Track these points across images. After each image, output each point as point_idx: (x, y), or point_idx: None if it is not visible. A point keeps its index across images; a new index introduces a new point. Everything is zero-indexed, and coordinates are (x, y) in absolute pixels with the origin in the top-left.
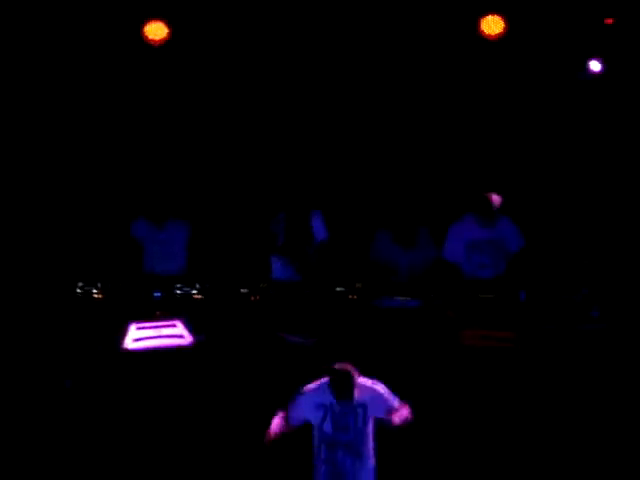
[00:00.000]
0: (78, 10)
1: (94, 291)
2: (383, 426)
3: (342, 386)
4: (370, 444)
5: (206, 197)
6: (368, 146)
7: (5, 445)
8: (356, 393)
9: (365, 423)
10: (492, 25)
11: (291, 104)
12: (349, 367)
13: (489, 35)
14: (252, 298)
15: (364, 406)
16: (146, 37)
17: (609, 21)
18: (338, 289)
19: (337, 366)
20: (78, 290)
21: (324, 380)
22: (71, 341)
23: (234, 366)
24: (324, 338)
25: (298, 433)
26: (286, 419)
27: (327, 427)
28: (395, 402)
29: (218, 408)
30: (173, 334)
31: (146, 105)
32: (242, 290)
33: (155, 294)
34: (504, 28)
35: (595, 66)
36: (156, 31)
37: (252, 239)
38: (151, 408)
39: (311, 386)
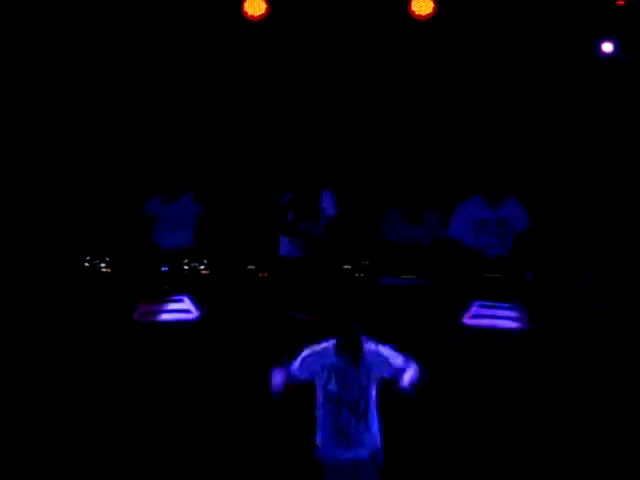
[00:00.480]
0: None
1: (102, 265)
2: (393, 390)
3: (349, 348)
4: (374, 406)
5: (216, 173)
6: (378, 124)
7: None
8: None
9: (369, 382)
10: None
11: (302, 84)
12: (356, 329)
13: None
14: (259, 274)
15: (367, 366)
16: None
17: (621, 2)
18: (345, 267)
19: (344, 328)
20: (86, 264)
21: (329, 342)
22: (79, 314)
23: (239, 341)
24: (331, 316)
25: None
26: (288, 376)
27: (332, 387)
28: (400, 361)
29: (222, 383)
30: (180, 309)
31: (160, 83)
32: (249, 266)
33: (163, 268)
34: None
35: (607, 47)
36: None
37: (261, 216)
38: (157, 382)
39: (316, 348)
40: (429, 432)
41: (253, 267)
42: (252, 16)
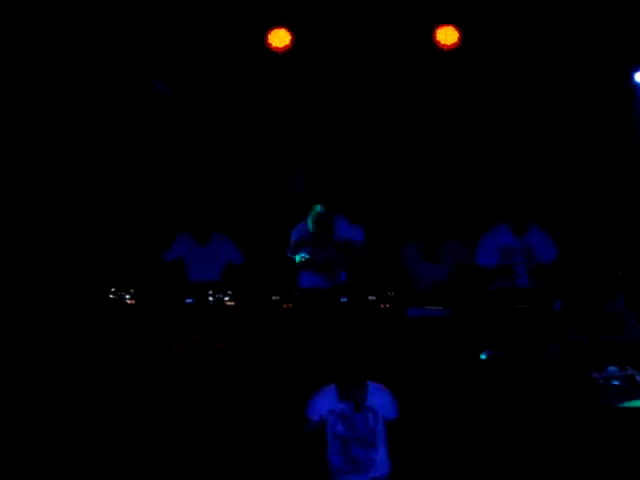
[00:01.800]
0: None
1: (127, 296)
2: None
3: (353, 397)
4: (383, 436)
5: (236, 208)
6: (401, 156)
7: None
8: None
9: (376, 423)
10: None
11: (324, 116)
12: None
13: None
14: (284, 306)
15: (374, 410)
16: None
17: None
18: (370, 297)
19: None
20: (111, 295)
21: (332, 386)
22: (104, 345)
23: (264, 372)
24: (355, 346)
25: None
26: (309, 424)
27: (339, 429)
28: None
29: (247, 413)
30: (205, 340)
31: (185, 119)
32: (274, 297)
33: (187, 300)
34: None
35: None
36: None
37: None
38: (182, 413)
39: (321, 392)
40: (446, 460)
41: (278, 298)
42: (277, 48)
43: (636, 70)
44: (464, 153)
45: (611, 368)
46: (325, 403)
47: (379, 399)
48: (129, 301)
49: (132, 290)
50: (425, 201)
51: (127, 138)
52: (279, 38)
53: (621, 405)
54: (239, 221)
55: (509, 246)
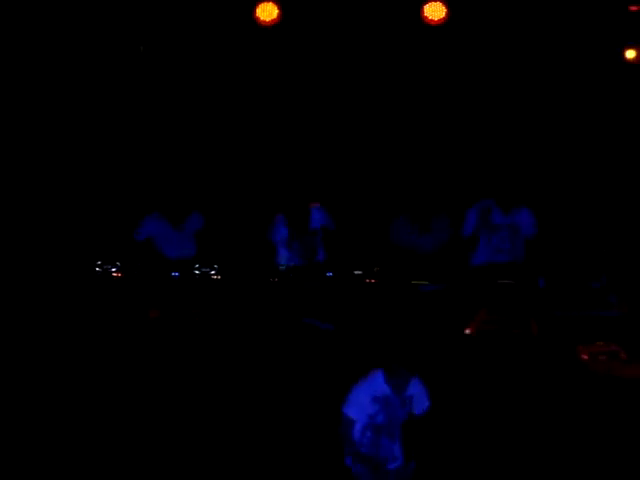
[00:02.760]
0: None
1: (113, 270)
2: None
3: (399, 378)
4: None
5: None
6: (387, 132)
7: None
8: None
9: (410, 412)
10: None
11: (311, 88)
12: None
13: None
14: (271, 279)
15: (412, 398)
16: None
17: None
18: (356, 272)
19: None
20: (97, 269)
21: (377, 373)
22: (90, 318)
23: (249, 347)
24: (343, 323)
25: None
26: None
27: (380, 417)
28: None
29: (232, 386)
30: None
31: (167, 93)
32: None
33: (173, 274)
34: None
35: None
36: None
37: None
38: (165, 385)
39: (366, 381)
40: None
41: (264, 272)
42: (264, 21)
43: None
44: (453, 130)
45: (597, 344)
46: (370, 390)
47: (417, 389)
48: (115, 274)
49: (118, 263)
50: (415, 176)
51: (108, 117)
52: (267, 12)
53: None
54: (217, 200)
55: (493, 224)
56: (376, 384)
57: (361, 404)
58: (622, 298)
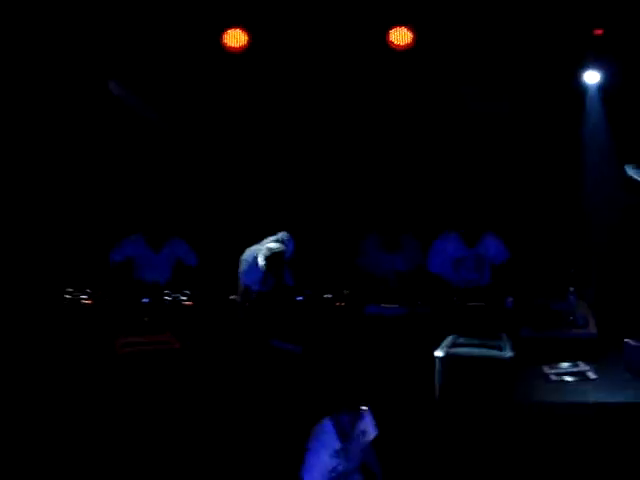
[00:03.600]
0: None
1: (83, 297)
2: None
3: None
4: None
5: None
6: (356, 153)
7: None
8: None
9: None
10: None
11: (282, 113)
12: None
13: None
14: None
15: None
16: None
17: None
18: (326, 296)
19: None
20: (67, 296)
21: (326, 426)
22: (60, 346)
23: (222, 371)
24: (313, 345)
25: None
26: None
27: (341, 467)
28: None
29: (208, 411)
30: (162, 340)
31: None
32: (231, 297)
33: (143, 300)
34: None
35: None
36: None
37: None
38: (138, 412)
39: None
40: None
41: (234, 297)
42: (232, 48)
43: (584, 70)
44: (417, 152)
45: (564, 364)
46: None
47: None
48: (85, 301)
49: (88, 290)
50: (383, 197)
51: (79, 139)
52: (235, 38)
53: None
54: (193, 222)
55: (460, 257)
56: (329, 439)
57: (320, 467)
58: (590, 319)
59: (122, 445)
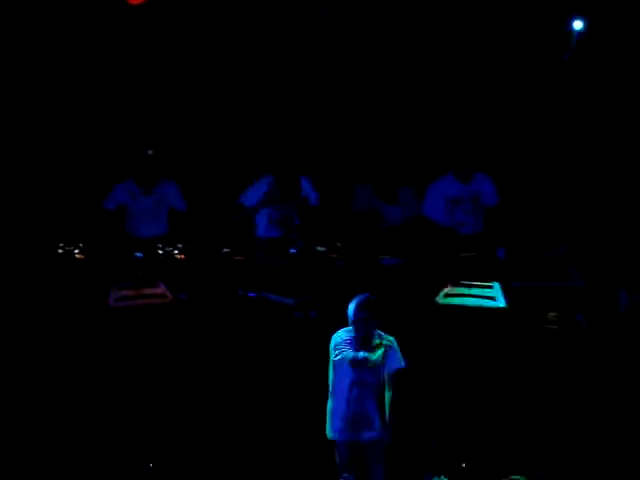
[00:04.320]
0: None
1: (76, 251)
2: None
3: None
4: (384, 391)
5: (189, 156)
6: (350, 103)
7: None
8: (378, 339)
9: (384, 367)
10: None
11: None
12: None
13: None
14: (235, 258)
15: (381, 354)
16: None
17: None
18: (319, 248)
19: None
20: (59, 250)
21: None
22: (53, 301)
23: (215, 325)
24: (306, 298)
25: None
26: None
27: (357, 373)
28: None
29: (200, 367)
30: (155, 293)
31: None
32: (225, 250)
33: (137, 254)
34: None
35: (578, 25)
36: None
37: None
38: (132, 367)
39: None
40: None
41: (229, 250)
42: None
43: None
44: (412, 98)
45: (555, 313)
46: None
47: (389, 346)
48: (78, 256)
49: (81, 245)
50: (378, 147)
51: (67, 85)
52: None
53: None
54: (188, 168)
55: (455, 196)
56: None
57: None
58: (580, 268)
59: (115, 401)
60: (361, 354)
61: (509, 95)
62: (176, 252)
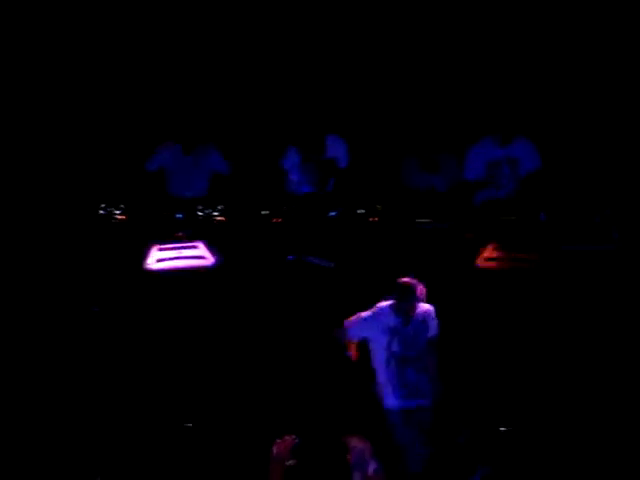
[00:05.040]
0: None
1: (116, 212)
2: None
3: (407, 307)
4: (429, 357)
5: (226, 121)
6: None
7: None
8: (417, 312)
9: (426, 339)
10: None
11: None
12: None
13: None
14: (273, 220)
15: (425, 323)
16: None
17: None
18: (359, 211)
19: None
20: (100, 211)
21: (385, 303)
22: (94, 262)
23: (254, 288)
24: (345, 260)
25: None
26: (346, 335)
27: (395, 347)
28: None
29: (237, 331)
30: (195, 255)
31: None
32: (263, 212)
33: (177, 215)
34: None
35: None
36: None
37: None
38: (171, 330)
39: (374, 310)
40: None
41: (267, 212)
42: None
43: None
44: (450, 64)
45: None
46: (379, 321)
47: (427, 315)
48: (119, 217)
49: (122, 205)
50: (419, 114)
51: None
52: None
53: None
54: (227, 130)
55: (495, 159)
56: (385, 315)
57: (370, 332)
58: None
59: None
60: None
61: (551, 57)
62: (216, 214)
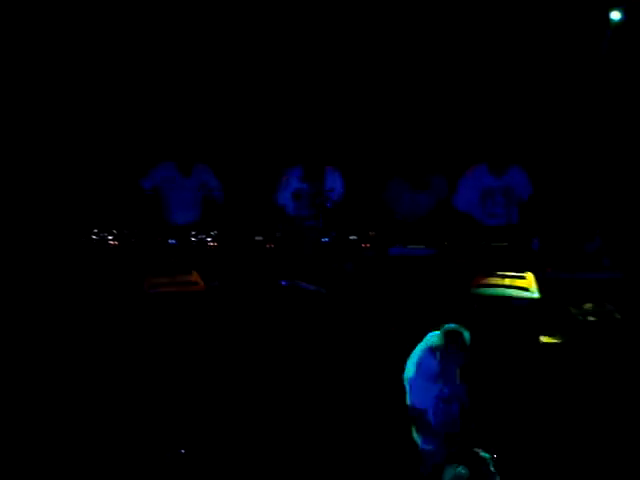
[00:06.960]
0: None
1: (109, 237)
2: None
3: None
4: None
5: (221, 143)
6: (380, 93)
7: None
8: None
9: None
10: None
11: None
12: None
13: None
14: (267, 245)
15: None
16: None
17: None
18: (351, 237)
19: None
20: (93, 237)
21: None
22: (85, 287)
23: (246, 312)
24: (337, 286)
25: None
26: None
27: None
28: None
29: (230, 354)
30: (188, 281)
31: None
32: (257, 238)
33: (170, 241)
34: None
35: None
36: None
37: (266, 188)
38: (165, 354)
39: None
40: None
41: (261, 238)
42: None
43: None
44: (445, 88)
45: (588, 305)
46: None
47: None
48: (111, 242)
49: (115, 231)
50: (408, 136)
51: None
52: None
53: None
54: (221, 156)
55: (487, 188)
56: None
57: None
58: (616, 260)
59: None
60: None
61: (543, 86)
62: (209, 240)
